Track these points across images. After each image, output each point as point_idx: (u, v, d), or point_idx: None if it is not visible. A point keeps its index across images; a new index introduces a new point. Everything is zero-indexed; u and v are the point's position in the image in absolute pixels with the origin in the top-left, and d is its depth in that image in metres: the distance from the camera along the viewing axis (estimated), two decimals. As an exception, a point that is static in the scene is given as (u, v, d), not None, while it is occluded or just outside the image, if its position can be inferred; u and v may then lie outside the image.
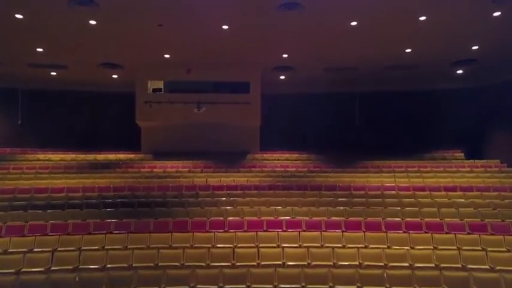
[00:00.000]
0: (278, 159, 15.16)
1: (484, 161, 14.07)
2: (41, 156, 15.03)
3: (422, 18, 10.97)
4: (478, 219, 8.99)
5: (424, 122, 16.43)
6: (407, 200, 10.32)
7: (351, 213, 9.64)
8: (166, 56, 13.89)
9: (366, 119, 16.79)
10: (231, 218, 9.33)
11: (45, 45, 12.91)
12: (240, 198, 10.63)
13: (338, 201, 10.31)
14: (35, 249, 7.62)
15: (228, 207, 10.03)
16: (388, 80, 15.91)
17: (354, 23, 11.36)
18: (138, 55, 13.83)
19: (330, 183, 11.88)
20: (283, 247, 7.68)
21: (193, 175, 12.81)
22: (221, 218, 9.36)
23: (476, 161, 14.16)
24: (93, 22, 11.20)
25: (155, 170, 13.51)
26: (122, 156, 15.55)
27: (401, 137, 16.45)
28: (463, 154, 15.23)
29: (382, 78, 15.81)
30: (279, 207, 10.03)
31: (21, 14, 10.69)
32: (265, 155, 15.82)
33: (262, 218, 9.33)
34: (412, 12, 10.70)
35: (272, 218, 9.37)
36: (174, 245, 7.92)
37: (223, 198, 10.69)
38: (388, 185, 11.75)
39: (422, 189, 11.24)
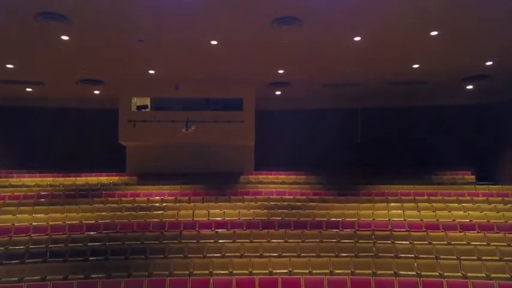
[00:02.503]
0: (274, 183, 13.53)
1: (499, 186, 12.49)
2: (15, 180, 13.36)
3: (434, 33, 9.41)
4: (508, 276, 7.42)
5: (431, 140, 14.82)
6: (420, 244, 8.74)
7: (357, 264, 8.05)
8: (151, 71, 12.24)
9: (368, 136, 15.17)
10: (217, 273, 7.73)
11: (15, 61, 11.27)
12: (229, 241, 9.02)
13: (342, 246, 8.72)
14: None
15: (215, 255, 8.43)
16: (393, 96, 14.35)
17: (357, 38, 9.82)
18: (120, 71, 12.19)
19: (332, 218, 10.26)
20: (279, 322, 6.10)
21: (179, 206, 11.16)
22: (206, 272, 7.78)
23: (490, 186, 12.58)
24: (65, 38, 9.59)
25: (138, 198, 11.85)
26: (104, 178, 13.91)
27: (406, 156, 14.86)
28: (473, 176, 13.66)
29: (385, 94, 14.25)
30: (275, 255, 8.45)
31: (-17, 29, 9.12)
32: (259, 177, 14.21)
33: (255, 272, 7.74)
34: (423, 27, 9.18)
35: (266, 272, 7.78)
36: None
37: (211, 241, 9.08)
38: (396, 220, 10.15)
39: (436, 227, 9.65)
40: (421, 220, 10.09)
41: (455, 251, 8.41)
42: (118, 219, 10.21)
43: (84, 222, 10.02)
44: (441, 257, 8.19)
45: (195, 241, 9.08)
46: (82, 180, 13.69)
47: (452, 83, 13.09)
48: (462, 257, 8.11)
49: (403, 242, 8.89)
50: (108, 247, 8.65)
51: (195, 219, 10.35)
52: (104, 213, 10.58)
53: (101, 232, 9.53)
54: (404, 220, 10.12)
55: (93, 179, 13.76)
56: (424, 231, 9.44)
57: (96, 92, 13.92)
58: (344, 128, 15.28)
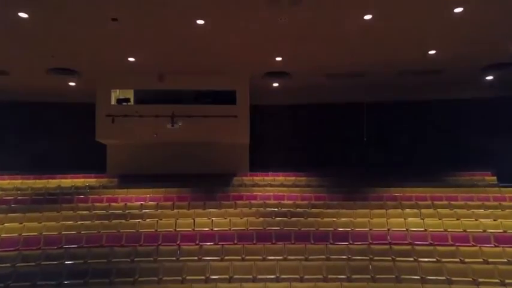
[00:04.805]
0: (271, 185, 11.64)
1: (528, 189, 10.67)
2: (-22, 183, 11.46)
3: (458, 9, 7.61)
4: None
5: (444, 137, 12.97)
6: (451, 263, 6.90)
7: (374, 291, 6.19)
8: (131, 59, 10.35)
9: (375, 133, 13.27)
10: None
11: (-31, 45, 9.38)
12: (215, 259, 7.16)
13: (354, 266, 6.87)
14: None
15: (198, 279, 6.55)
16: (403, 88, 12.46)
17: (368, 17, 8.05)
18: (95, 58, 10.31)
19: (339, 228, 8.43)
20: None
21: (160, 213, 9.29)
22: (184, 303, 5.91)
23: (517, 189, 10.76)
24: (23, 15, 7.75)
25: (114, 204, 9.94)
26: (80, 181, 12.00)
27: (417, 154, 13.02)
28: (495, 178, 11.82)
29: (395, 86, 12.36)
30: (271, 278, 6.61)
31: None
32: (255, 178, 12.33)
33: (246, 303, 5.88)
34: (446, 2, 7.32)
35: (260, 303, 5.92)
36: None
37: (194, 259, 7.21)
38: (415, 230, 8.30)
39: (465, 239, 7.80)
40: (445, 230, 8.24)
41: (496, 272, 6.55)
42: (86, 231, 8.34)
43: (44, 234, 8.15)
44: (480, 280, 6.34)
45: (174, 258, 7.22)
46: (54, 182, 11.76)
47: (471, 72, 11.26)
48: (507, 281, 6.26)
49: (429, 260, 7.05)
50: (65, 268, 6.76)
51: (177, 229, 8.49)
52: (70, 222, 8.71)
53: (61, 247, 7.63)
54: (425, 230, 8.28)
55: (67, 182, 11.84)
56: (452, 244, 7.60)
57: (72, 83, 11.98)
58: (349, 124, 13.41)
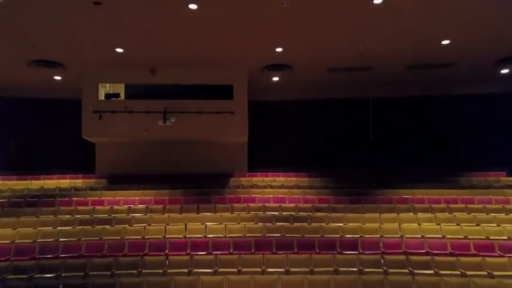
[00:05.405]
0: (271, 187, 10.64)
1: (549, 191, 9.69)
2: (-46, 185, 10.45)
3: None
4: None
5: (455, 134, 11.98)
6: (477, 276, 5.83)
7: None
8: (119, 50, 9.39)
9: (382, 131, 12.27)
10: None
11: None
12: (208, 272, 6.14)
13: (367, 280, 5.78)
14: None
15: (186, 297, 5.56)
16: (411, 83, 11.58)
17: (378, 1, 7.08)
18: (80, 49, 9.35)
19: (347, 235, 7.46)
20: None
21: (149, 218, 8.28)
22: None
23: (537, 190, 9.77)
24: (-4, -2, 6.76)
25: (100, 207, 8.93)
26: (66, 181, 10.99)
27: (426, 153, 12.04)
28: (511, 178, 10.84)
29: (403, 81, 11.45)
30: (272, 296, 5.58)
31: None
32: (254, 179, 11.35)
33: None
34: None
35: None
36: None
37: (184, 271, 6.20)
38: (432, 237, 7.31)
39: (489, 249, 6.81)
40: (465, 238, 7.26)
41: (535, 290, 5.56)
42: (64, 238, 7.36)
43: (16, 242, 7.16)
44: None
45: (161, 271, 6.21)
46: (38, 184, 10.74)
47: (486, 65, 10.35)
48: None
49: (452, 273, 6.03)
50: (32, 283, 5.74)
51: (166, 236, 7.51)
52: (48, 228, 7.71)
53: (34, 258, 6.63)
54: (443, 237, 7.29)
55: (51, 183, 10.82)
56: (476, 254, 6.61)
57: (57, 77, 11.00)
58: (353, 121, 12.42)
